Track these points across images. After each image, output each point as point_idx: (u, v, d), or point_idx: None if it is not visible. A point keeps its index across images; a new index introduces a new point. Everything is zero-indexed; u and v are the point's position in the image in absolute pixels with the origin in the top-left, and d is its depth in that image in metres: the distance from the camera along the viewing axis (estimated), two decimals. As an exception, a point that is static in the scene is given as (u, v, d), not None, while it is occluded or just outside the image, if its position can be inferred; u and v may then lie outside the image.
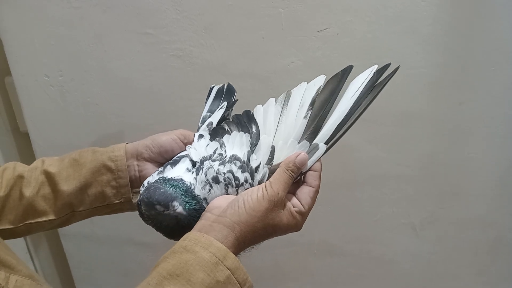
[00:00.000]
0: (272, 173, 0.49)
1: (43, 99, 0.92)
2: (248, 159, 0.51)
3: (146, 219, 0.50)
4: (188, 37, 0.84)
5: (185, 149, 0.57)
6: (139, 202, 0.50)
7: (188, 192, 0.49)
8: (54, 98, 0.92)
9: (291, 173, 0.48)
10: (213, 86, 0.64)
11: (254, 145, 0.52)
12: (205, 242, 0.42)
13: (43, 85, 0.91)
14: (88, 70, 0.89)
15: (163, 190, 0.49)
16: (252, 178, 0.49)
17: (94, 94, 0.91)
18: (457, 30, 0.82)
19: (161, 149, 0.57)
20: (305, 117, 0.51)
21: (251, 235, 0.45)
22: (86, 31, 0.86)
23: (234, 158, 0.51)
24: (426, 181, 0.95)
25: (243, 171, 0.49)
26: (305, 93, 0.52)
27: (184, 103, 0.90)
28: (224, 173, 0.50)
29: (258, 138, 0.52)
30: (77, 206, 0.58)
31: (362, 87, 0.51)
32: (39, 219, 0.57)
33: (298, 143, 0.50)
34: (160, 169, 0.55)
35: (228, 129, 0.56)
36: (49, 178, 0.57)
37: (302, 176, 0.51)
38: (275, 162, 0.50)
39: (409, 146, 0.92)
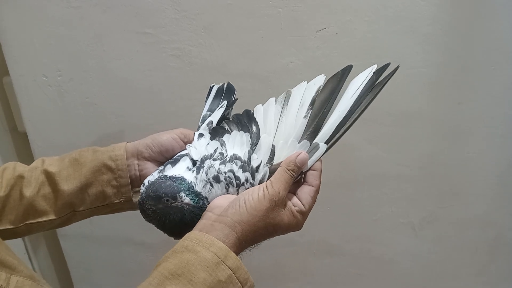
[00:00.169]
0: (273, 173, 0.49)
1: (42, 99, 0.92)
2: (249, 158, 0.51)
3: (150, 215, 0.50)
4: (188, 36, 0.84)
5: (186, 148, 0.56)
6: (143, 199, 0.50)
7: (191, 189, 0.49)
8: (53, 98, 0.92)
9: (292, 172, 0.48)
10: (213, 85, 0.64)
11: (254, 144, 0.52)
12: (206, 242, 0.42)
13: (42, 85, 0.91)
14: (87, 70, 0.89)
15: (168, 183, 0.49)
16: (253, 178, 0.49)
17: (93, 94, 0.91)
18: (457, 30, 0.82)
19: (161, 148, 0.57)
20: (305, 116, 0.51)
21: (252, 234, 0.45)
22: (85, 31, 0.86)
23: (235, 158, 0.51)
24: (426, 180, 0.95)
25: (244, 171, 0.49)
26: (305, 92, 0.52)
27: (183, 102, 0.90)
28: (225, 173, 0.50)
29: (258, 137, 0.52)
30: (78, 205, 0.58)
31: (362, 87, 0.51)
32: (40, 219, 0.57)
33: (299, 143, 0.50)
34: (161, 168, 0.55)
35: (228, 129, 0.55)
36: (49, 177, 0.57)
37: (303, 175, 0.51)
38: (275, 161, 0.50)
39: (409, 145, 0.92)
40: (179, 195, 0.48)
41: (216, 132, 0.56)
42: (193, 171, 0.52)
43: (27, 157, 1.01)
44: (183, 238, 0.44)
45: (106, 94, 0.91)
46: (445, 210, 0.98)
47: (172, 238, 0.52)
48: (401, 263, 1.05)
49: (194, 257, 0.41)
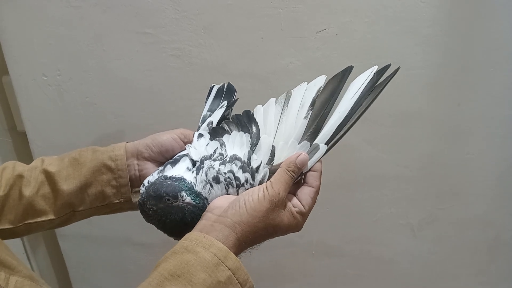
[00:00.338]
0: (273, 173, 0.48)
1: (41, 98, 0.92)
2: (249, 159, 0.50)
3: (151, 215, 0.50)
4: (188, 37, 0.84)
5: (185, 149, 0.56)
6: (143, 199, 0.50)
7: (191, 189, 0.49)
8: (52, 97, 0.92)
9: (292, 173, 0.48)
10: (213, 86, 0.63)
11: (254, 145, 0.52)
12: (206, 243, 0.42)
13: (41, 85, 0.91)
14: (86, 69, 0.89)
15: (169, 182, 0.49)
16: (253, 179, 0.49)
17: (92, 93, 0.91)
18: (457, 31, 0.82)
19: (161, 148, 0.57)
20: (305, 117, 0.50)
21: (252, 235, 0.44)
22: (85, 30, 0.86)
23: (234, 158, 0.51)
24: (426, 181, 0.95)
25: (243, 171, 0.49)
26: (305, 93, 0.52)
27: (183, 103, 0.90)
28: (225, 173, 0.49)
29: (258, 138, 0.52)
30: (77, 205, 0.58)
31: (363, 88, 0.51)
32: (39, 219, 0.57)
33: (299, 144, 0.50)
34: (160, 168, 0.55)
35: (228, 129, 0.55)
36: (49, 177, 0.57)
37: (303, 176, 0.51)
38: (275, 162, 0.50)
39: (409, 146, 0.92)
40: (180, 195, 0.48)
41: (216, 132, 0.56)
42: (192, 172, 0.52)
43: (26, 156, 1.01)
44: (182, 238, 0.44)
45: (106, 94, 0.91)
46: (445, 211, 0.98)
47: (171, 239, 0.52)
48: (400, 264, 1.05)
49: (194, 257, 0.41)
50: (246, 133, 0.53)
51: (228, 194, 0.49)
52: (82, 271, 1.11)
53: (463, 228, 1.00)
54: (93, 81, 0.90)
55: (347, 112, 0.50)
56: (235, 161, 0.50)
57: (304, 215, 0.48)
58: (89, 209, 0.58)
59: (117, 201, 0.58)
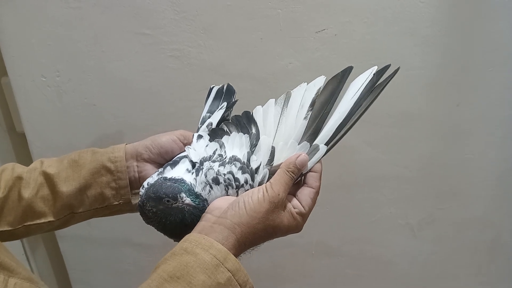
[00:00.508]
0: (272, 174, 0.48)
1: (40, 99, 0.91)
2: (248, 160, 0.50)
3: (150, 217, 0.50)
4: (187, 37, 0.84)
5: (185, 150, 0.56)
6: (143, 201, 0.49)
7: (191, 190, 0.49)
8: (51, 98, 0.91)
9: (292, 174, 0.48)
10: (213, 87, 0.63)
11: (253, 146, 0.52)
12: (205, 244, 0.42)
13: (40, 86, 0.90)
14: (85, 70, 0.89)
15: (169, 183, 0.49)
16: (252, 180, 0.49)
17: (91, 94, 0.91)
18: (456, 31, 0.82)
19: (161, 149, 0.57)
20: (305, 118, 0.50)
21: (252, 236, 0.44)
22: (84, 31, 0.86)
23: (234, 159, 0.51)
24: (425, 181, 0.95)
25: (243, 172, 0.49)
26: (305, 94, 0.52)
27: (182, 103, 0.90)
28: (224, 174, 0.49)
29: (258, 139, 0.52)
30: (77, 207, 0.58)
31: (362, 88, 0.51)
32: (38, 221, 0.57)
33: (299, 144, 0.50)
34: (160, 170, 0.54)
35: (228, 130, 0.55)
36: (48, 179, 0.57)
37: (303, 177, 0.51)
38: (275, 163, 0.50)
39: (408, 147, 0.92)
40: (179, 196, 0.48)
41: (215, 133, 0.56)
42: (192, 173, 0.52)
43: (25, 158, 1.01)
44: (182, 240, 0.44)
45: (105, 95, 0.91)
46: (445, 211, 0.98)
47: (171, 240, 0.52)
48: (400, 264, 1.05)
49: (193, 259, 0.41)
50: (246, 134, 0.53)
51: (227, 195, 0.49)
52: (81, 272, 1.11)
53: (463, 229, 1.00)
54: (92, 82, 0.90)
55: (347, 112, 0.50)
56: (234, 162, 0.50)
57: (304, 216, 0.48)
58: (88, 210, 0.58)
59: (116, 203, 0.58)
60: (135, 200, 0.57)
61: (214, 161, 0.51)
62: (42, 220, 0.57)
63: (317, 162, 0.50)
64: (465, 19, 0.81)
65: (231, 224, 0.44)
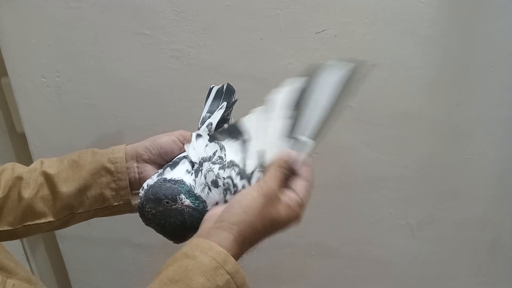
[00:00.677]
0: None
1: (40, 99, 0.91)
2: (244, 165, 0.51)
3: (150, 218, 0.50)
4: (186, 38, 0.84)
5: (185, 150, 0.56)
6: (142, 202, 0.49)
7: (191, 192, 0.49)
8: (51, 98, 0.91)
9: (282, 169, 0.48)
10: (212, 87, 0.63)
11: (246, 151, 0.52)
12: (204, 247, 0.42)
13: (40, 86, 0.90)
14: (85, 70, 0.89)
15: (168, 185, 0.49)
16: (250, 184, 0.49)
17: (91, 95, 0.91)
18: (456, 31, 0.82)
19: (160, 150, 0.57)
20: (288, 117, 0.51)
21: (251, 233, 0.44)
22: (84, 31, 0.86)
23: (232, 164, 0.51)
24: (425, 182, 0.95)
25: (241, 178, 0.49)
26: (284, 96, 0.53)
27: (182, 104, 0.90)
28: (224, 178, 0.49)
29: (248, 144, 0.52)
30: (76, 208, 0.58)
31: (337, 83, 0.51)
32: (38, 221, 0.57)
33: (286, 143, 0.50)
34: (160, 171, 0.54)
35: (221, 137, 0.56)
36: (48, 179, 0.57)
37: (294, 173, 0.51)
38: (266, 164, 0.50)
39: (408, 147, 0.92)
40: (179, 197, 0.48)
41: (213, 138, 0.56)
42: (191, 174, 0.52)
43: (25, 158, 1.01)
44: (184, 244, 0.44)
45: (105, 95, 0.91)
46: (444, 211, 0.98)
47: (170, 241, 0.52)
48: (399, 264, 1.05)
49: (193, 262, 0.41)
50: (238, 140, 0.53)
51: (225, 199, 0.49)
52: (81, 272, 1.11)
53: (463, 229, 1.00)
54: (92, 82, 0.90)
55: (327, 106, 0.50)
56: (233, 167, 0.50)
57: (301, 206, 0.47)
58: (88, 211, 0.58)
59: (116, 203, 0.58)
60: (135, 201, 0.57)
61: (214, 163, 0.51)
62: (42, 220, 0.57)
63: (307, 156, 0.50)
64: (465, 19, 0.81)
65: (227, 225, 0.44)
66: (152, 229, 0.52)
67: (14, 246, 1.03)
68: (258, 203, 0.44)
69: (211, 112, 0.60)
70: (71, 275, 1.12)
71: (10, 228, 0.57)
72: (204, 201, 0.49)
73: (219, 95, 0.62)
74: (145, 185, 0.52)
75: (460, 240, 1.01)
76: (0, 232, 0.56)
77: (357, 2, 0.80)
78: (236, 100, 0.62)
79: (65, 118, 0.93)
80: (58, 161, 0.59)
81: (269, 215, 0.45)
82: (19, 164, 0.60)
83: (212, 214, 0.47)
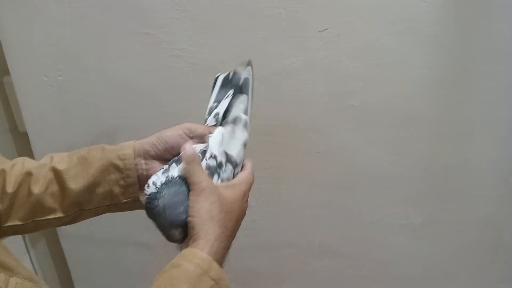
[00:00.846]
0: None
1: (42, 99, 0.92)
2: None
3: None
4: (188, 37, 0.84)
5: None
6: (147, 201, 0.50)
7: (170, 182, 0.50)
8: (53, 98, 0.92)
9: (192, 161, 0.49)
10: (218, 75, 0.62)
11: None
12: (189, 255, 0.43)
13: (42, 85, 0.91)
14: (87, 70, 0.89)
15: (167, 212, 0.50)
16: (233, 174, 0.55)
17: (93, 94, 0.91)
18: (458, 31, 0.82)
19: (166, 145, 0.56)
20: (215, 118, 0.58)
21: (217, 226, 0.46)
22: (86, 31, 0.86)
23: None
24: (426, 182, 0.95)
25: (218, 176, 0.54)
26: (210, 104, 0.60)
27: (184, 103, 0.90)
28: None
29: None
30: (85, 204, 0.57)
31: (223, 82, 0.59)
32: (47, 217, 0.57)
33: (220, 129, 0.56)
34: (165, 167, 0.53)
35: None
36: (57, 175, 0.57)
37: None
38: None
39: (409, 147, 0.92)
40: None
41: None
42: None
43: (27, 157, 1.01)
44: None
45: (107, 95, 0.91)
46: (445, 212, 0.98)
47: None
48: (401, 265, 1.05)
49: (178, 270, 0.42)
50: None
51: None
52: (84, 271, 1.11)
53: (464, 229, 1.00)
54: (93, 82, 0.90)
55: (231, 96, 0.58)
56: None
57: (240, 180, 0.52)
58: (97, 208, 0.58)
59: (125, 200, 0.57)
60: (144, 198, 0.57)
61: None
62: (52, 216, 0.57)
63: (244, 132, 0.56)
64: (467, 19, 0.81)
65: (200, 233, 0.45)
66: (154, 227, 0.51)
67: (16, 245, 1.03)
68: (204, 200, 0.46)
69: (218, 101, 0.59)
70: (73, 274, 1.12)
71: (20, 222, 0.57)
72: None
73: (225, 83, 0.61)
74: (150, 182, 0.52)
75: (461, 240, 1.01)
76: (11, 227, 0.56)
77: (359, 1, 0.80)
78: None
79: (67, 117, 0.93)
80: (68, 157, 0.58)
81: (217, 203, 0.47)
82: (29, 159, 0.60)
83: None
